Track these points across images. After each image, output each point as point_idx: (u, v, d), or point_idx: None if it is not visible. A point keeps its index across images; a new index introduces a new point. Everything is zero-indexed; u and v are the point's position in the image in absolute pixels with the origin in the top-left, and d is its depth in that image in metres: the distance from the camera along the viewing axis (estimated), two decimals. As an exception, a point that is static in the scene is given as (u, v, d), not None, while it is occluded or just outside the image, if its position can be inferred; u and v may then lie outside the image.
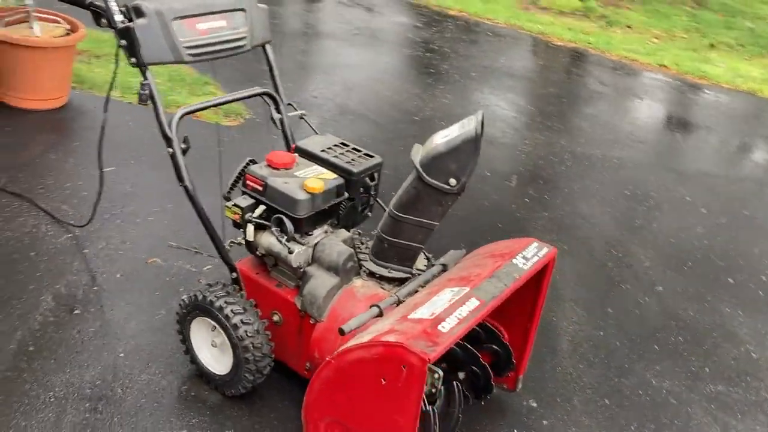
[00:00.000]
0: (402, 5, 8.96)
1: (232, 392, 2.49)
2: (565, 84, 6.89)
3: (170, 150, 2.38)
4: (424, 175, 2.24)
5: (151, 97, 2.36)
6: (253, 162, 2.52)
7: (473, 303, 2.04)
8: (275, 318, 2.50)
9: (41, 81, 4.21)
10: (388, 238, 2.39)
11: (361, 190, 2.52)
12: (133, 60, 2.32)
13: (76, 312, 2.81)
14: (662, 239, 4.10)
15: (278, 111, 2.79)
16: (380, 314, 2.17)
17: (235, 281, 2.54)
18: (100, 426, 2.34)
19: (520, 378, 2.67)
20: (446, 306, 2.02)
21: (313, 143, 2.60)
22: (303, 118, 2.87)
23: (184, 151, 2.44)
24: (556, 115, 5.95)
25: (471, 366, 2.45)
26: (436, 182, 2.23)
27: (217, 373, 2.51)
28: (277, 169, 2.43)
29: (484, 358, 2.73)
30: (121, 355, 2.64)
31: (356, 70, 6.23)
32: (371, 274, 2.45)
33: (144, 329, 2.77)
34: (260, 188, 2.38)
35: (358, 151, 2.60)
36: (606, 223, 4.18)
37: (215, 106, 2.69)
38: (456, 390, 2.29)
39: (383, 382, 1.91)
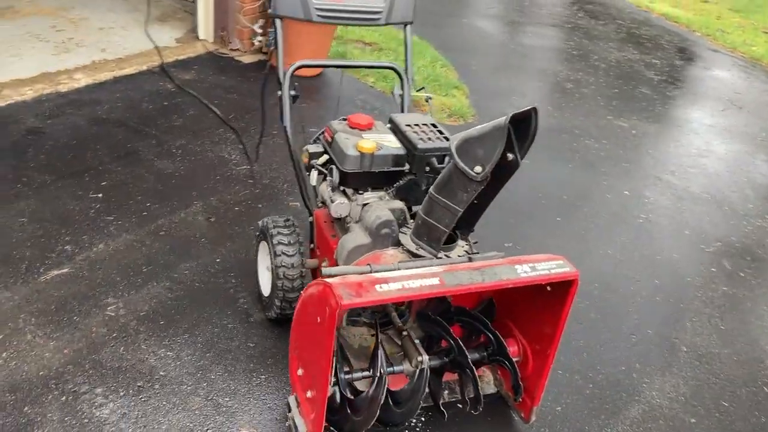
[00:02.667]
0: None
1: (268, 315, 2.77)
2: None
3: (279, 93, 2.76)
4: (456, 157, 2.23)
5: (276, 45, 2.77)
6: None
7: (431, 281, 2.00)
8: (324, 264, 2.70)
9: (301, 51, 4.94)
10: (422, 215, 2.41)
11: (427, 168, 2.56)
12: (270, 10, 2.74)
13: (211, 219, 3.37)
14: None
15: (401, 88, 2.96)
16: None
17: (311, 225, 2.81)
18: (163, 300, 2.82)
19: (535, 409, 2.45)
20: (404, 275, 2.02)
21: (405, 117, 2.71)
22: (428, 102, 3.00)
23: (294, 99, 2.79)
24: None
25: (464, 369, 2.34)
26: (464, 166, 2.21)
27: (264, 293, 2.81)
28: (352, 128, 2.62)
29: (503, 374, 2.59)
30: (218, 260, 3.10)
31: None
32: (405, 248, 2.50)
33: (248, 249, 3.19)
34: (329, 140, 2.60)
35: (441, 133, 2.64)
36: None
37: (336, 67, 3.00)
38: (423, 377, 2.24)
39: (318, 321, 2.01)
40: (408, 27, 2.97)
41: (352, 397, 2.27)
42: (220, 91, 4.59)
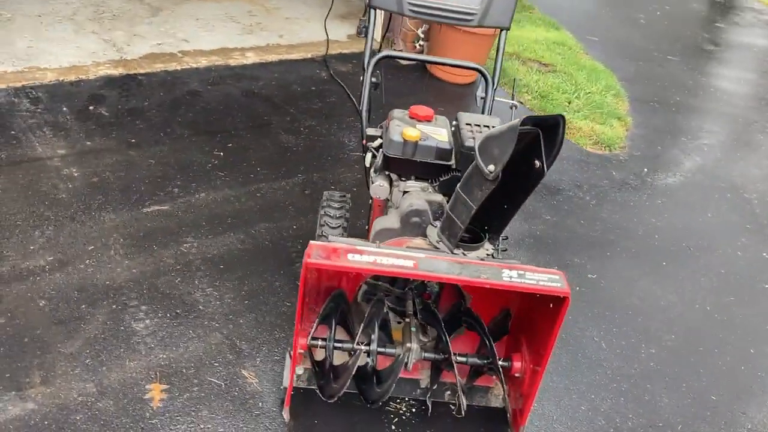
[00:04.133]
0: None
1: (311, 280, 2.95)
2: None
3: (362, 78, 2.93)
4: (477, 154, 2.23)
5: (366, 32, 2.95)
6: None
7: (405, 263, 2.04)
8: None
9: (459, 58, 5.05)
10: (447, 209, 2.42)
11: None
12: (367, 1, 2.92)
13: (306, 192, 3.63)
14: None
15: (485, 91, 2.97)
16: (375, 252, 2.31)
17: (370, 206, 2.94)
18: (232, 249, 3.13)
19: (522, 428, 2.35)
20: (383, 252, 2.07)
21: (471, 117, 2.70)
22: (512, 109, 2.97)
23: (376, 86, 2.95)
24: None
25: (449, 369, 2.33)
26: (481, 164, 2.20)
27: (312, 261, 2.99)
28: (411, 118, 2.70)
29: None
30: (294, 227, 3.35)
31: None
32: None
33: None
34: (387, 126, 2.71)
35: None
36: None
37: (418, 61, 3.09)
38: (401, 363, 2.27)
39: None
40: (503, 33, 2.97)
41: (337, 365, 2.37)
42: (367, 85, 4.86)
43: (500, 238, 2.65)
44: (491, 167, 2.15)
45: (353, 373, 2.25)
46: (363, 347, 2.32)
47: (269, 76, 4.76)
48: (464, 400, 2.36)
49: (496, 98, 3.01)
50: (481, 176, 2.20)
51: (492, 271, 2.07)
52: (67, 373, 2.41)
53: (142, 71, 4.49)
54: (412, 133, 2.54)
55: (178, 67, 4.63)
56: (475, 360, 2.40)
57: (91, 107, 4.01)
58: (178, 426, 2.30)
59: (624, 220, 3.95)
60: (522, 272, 2.08)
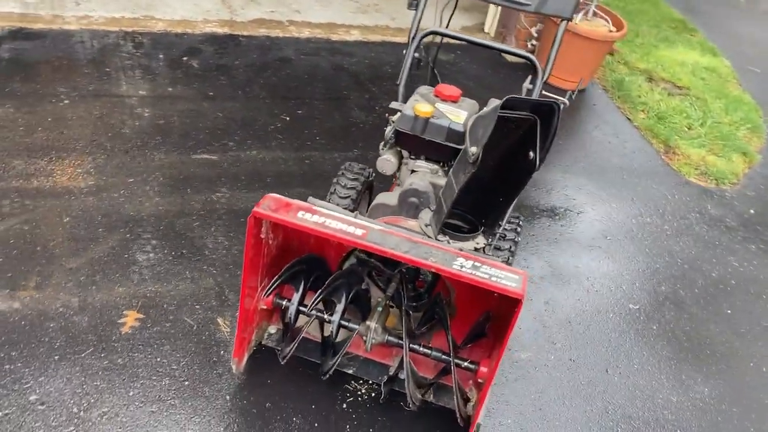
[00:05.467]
0: None
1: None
2: None
3: (404, 52, 2.84)
4: (467, 136, 2.09)
5: (416, 5, 2.85)
6: None
7: (353, 230, 1.95)
8: None
9: (568, 62, 4.78)
10: (439, 193, 2.29)
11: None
12: (417, -23, 2.83)
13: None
14: None
15: (532, 82, 2.77)
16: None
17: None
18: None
19: (479, 424, 2.18)
20: (337, 217, 1.99)
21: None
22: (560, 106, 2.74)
23: (418, 62, 2.85)
24: None
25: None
26: (468, 145, 2.06)
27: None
28: (436, 96, 2.57)
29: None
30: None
31: None
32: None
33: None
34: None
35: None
36: None
37: (468, 42, 2.91)
38: (350, 339, 2.18)
39: (261, 234, 2.13)
40: (563, 23, 2.75)
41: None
42: (461, 77, 4.74)
43: (496, 233, 2.47)
44: (473, 149, 2.00)
45: (299, 338, 2.20)
46: (323, 315, 2.26)
47: (365, 54, 4.77)
48: (416, 394, 2.24)
49: (545, 92, 2.80)
50: (464, 157, 2.07)
51: (444, 256, 1.92)
52: (60, 285, 2.55)
53: (245, 33, 4.67)
54: (425, 108, 2.42)
55: (281, 35, 4.76)
56: (439, 355, 2.25)
57: (185, 58, 4.22)
58: (136, 354, 2.36)
59: (698, 258, 3.53)
60: (478, 264, 1.91)
